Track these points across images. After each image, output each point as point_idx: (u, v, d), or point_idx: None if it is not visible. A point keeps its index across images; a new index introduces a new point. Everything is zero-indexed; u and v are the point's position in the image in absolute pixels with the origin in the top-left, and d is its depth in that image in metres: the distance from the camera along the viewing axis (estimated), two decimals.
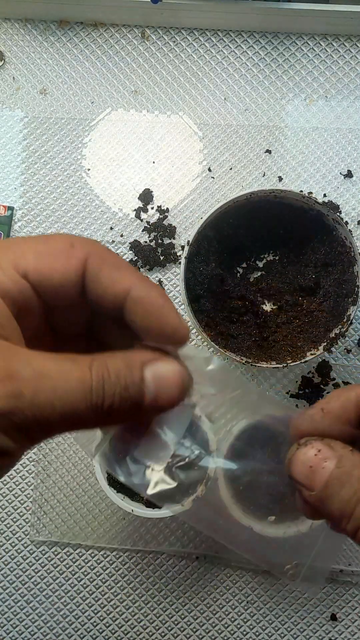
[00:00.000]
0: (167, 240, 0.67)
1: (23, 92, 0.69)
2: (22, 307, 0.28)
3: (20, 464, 0.65)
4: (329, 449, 0.31)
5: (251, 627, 0.63)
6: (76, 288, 0.29)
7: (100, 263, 0.28)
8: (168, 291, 0.66)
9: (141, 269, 0.66)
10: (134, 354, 0.28)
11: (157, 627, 0.64)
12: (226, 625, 0.63)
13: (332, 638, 0.63)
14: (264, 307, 0.64)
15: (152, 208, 0.67)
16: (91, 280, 0.29)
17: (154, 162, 0.68)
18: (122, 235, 0.67)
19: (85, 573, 0.64)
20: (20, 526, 0.65)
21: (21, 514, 0.65)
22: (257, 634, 0.63)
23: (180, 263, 0.61)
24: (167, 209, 0.67)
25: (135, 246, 0.66)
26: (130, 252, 0.67)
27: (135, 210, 0.67)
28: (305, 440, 0.32)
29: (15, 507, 0.65)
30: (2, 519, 0.65)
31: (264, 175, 0.67)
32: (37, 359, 0.25)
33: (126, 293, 0.28)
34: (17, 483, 0.65)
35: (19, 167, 0.68)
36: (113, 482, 0.57)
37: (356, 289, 0.57)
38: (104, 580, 0.64)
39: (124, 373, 0.27)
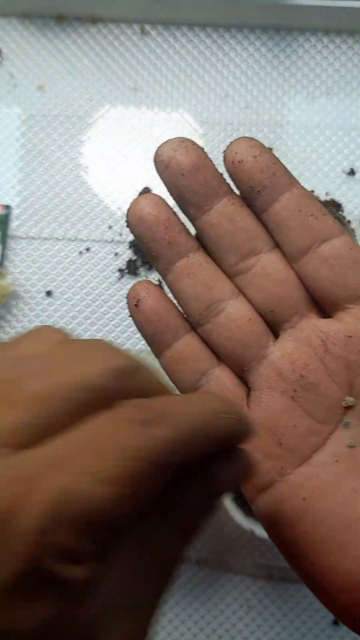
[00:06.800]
0: None
1: (20, 89, 0.68)
2: None
3: None
4: None
5: (252, 631, 0.63)
6: None
7: None
8: (167, 291, 0.65)
9: (140, 268, 0.66)
10: None
11: (156, 632, 0.63)
12: (227, 630, 0.63)
13: None
14: None
15: None
16: None
17: None
18: (121, 234, 0.66)
19: None
20: None
21: None
22: (258, 638, 0.62)
23: None
24: None
25: (134, 245, 0.65)
26: (129, 250, 0.66)
27: None
28: None
29: None
30: None
31: None
32: None
33: None
34: None
35: (16, 164, 0.67)
36: None
37: None
38: None
39: None
